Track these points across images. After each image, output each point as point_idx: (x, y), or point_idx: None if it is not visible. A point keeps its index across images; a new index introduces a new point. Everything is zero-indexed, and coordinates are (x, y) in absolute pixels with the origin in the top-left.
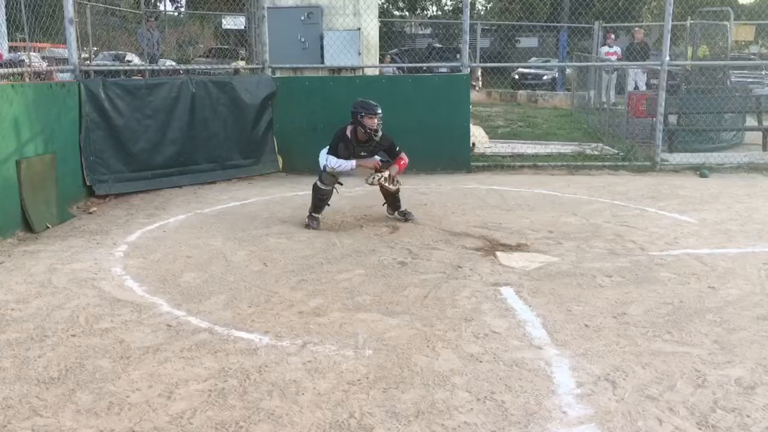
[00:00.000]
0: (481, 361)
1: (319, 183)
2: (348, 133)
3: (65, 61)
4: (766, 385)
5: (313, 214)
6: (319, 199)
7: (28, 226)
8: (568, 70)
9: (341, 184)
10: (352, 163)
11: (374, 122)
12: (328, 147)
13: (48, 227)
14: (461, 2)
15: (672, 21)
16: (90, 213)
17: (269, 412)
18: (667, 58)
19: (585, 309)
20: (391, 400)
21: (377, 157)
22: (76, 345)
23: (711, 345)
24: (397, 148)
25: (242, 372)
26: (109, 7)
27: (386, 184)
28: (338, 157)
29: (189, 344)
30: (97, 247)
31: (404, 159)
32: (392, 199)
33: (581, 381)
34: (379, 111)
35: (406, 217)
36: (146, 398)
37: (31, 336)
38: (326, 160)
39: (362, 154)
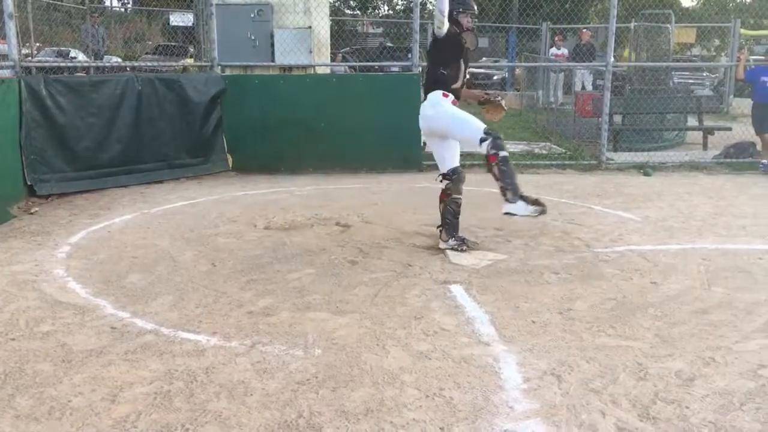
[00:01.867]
0: (430, 359)
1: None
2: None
3: (5, 57)
4: (705, 377)
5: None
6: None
7: None
8: (517, 71)
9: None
10: (443, 101)
11: (469, 21)
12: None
13: None
14: (412, 2)
15: (616, 23)
16: (31, 213)
17: (216, 413)
18: (612, 59)
19: (532, 305)
20: (341, 399)
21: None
22: (15, 349)
23: (652, 339)
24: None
25: (189, 374)
26: (52, 2)
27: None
28: (453, 49)
29: (134, 346)
30: (38, 248)
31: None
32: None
33: (528, 376)
34: (475, 8)
35: (465, 244)
36: (89, 402)
37: None
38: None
39: (471, 50)
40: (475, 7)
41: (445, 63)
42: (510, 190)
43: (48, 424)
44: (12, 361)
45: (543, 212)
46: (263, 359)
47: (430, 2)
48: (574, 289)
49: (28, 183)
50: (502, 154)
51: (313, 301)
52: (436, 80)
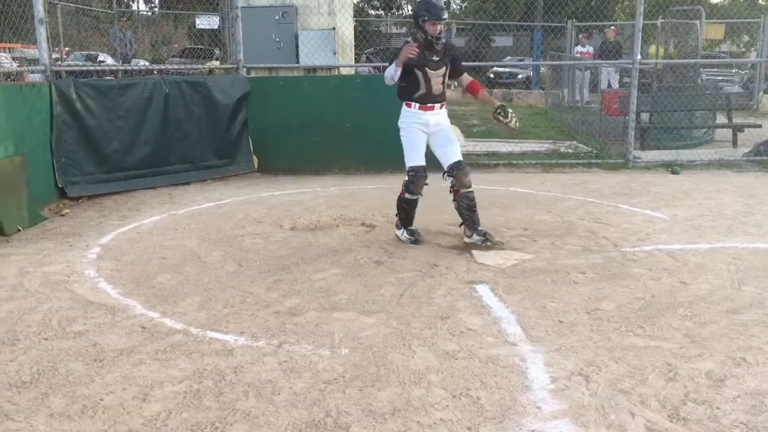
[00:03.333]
0: (456, 359)
1: (407, 195)
2: (410, 40)
3: (36, 61)
4: (736, 378)
5: (409, 228)
6: (410, 210)
7: None
8: (542, 69)
9: (427, 184)
10: (393, 65)
11: (437, 28)
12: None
13: (19, 230)
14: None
15: (643, 20)
16: (62, 215)
17: (245, 412)
18: (639, 56)
19: (559, 305)
20: (368, 398)
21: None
22: (48, 348)
23: (682, 339)
24: (462, 68)
25: (217, 373)
26: (81, 6)
27: (510, 122)
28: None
29: (163, 346)
30: (69, 250)
31: (473, 79)
32: (469, 213)
33: (555, 376)
34: (445, 15)
35: (487, 238)
36: (120, 401)
37: (2, 340)
38: (386, 71)
39: (435, 59)
40: (443, 15)
41: (402, 76)
42: (399, 221)
43: (81, 423)
44: (45, 360)
45: (419, 242)
46: (290, 359)
47: (454, 1)
48: (602, 288)
49: (59, 185)
50: (407, 195)
51: (339, 301)
52: (398, 92)
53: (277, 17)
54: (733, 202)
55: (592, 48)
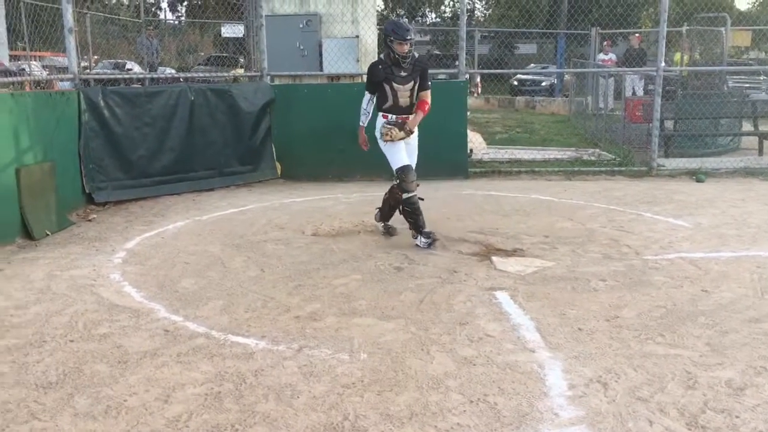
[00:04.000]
0: (474, 365)
1: (405, 195)
2: (383, 56)
3: (65, 69)
4: (756, 387)
5: (386, 223)
6: (417, 210)
7: (27, 234)
8: (566, 77)
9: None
10: (360, 122)
11: (404, 48)
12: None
13: (47, 234)
14: (459, 9)
15: (668, 27)
16: (89, 220)
17: (264, 415)
18: (663, 63)
19: (579, 313)
20: (385, 402)
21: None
22: (74, 350)
23: (703, 347)
24: (429, 83)
25: (238, 376)
26: (109, 15)
27: (390, 135)
28: (374, 78)
29: (186, 349)
30: (95, 254)
31: (428, 103)
32: (413, 219)
33: (573, 383)
34: (410, 36)
35: (431, 240)
36: (143, 402)
37: (29, 341)
38: (364, 100)
39: (402, 74)
40: (408, 36)
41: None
42: (379, 214)
43: (105, 423)
44: (71, 361)
45: (390, 235)
46: (310, 363)
47: (478, 9)
48: (622, 296)
49: (87, 191)
50: (404, 195)
51: (359, 306)
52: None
53: (301, 25)
54: (759, 210)
55: (614, 55)
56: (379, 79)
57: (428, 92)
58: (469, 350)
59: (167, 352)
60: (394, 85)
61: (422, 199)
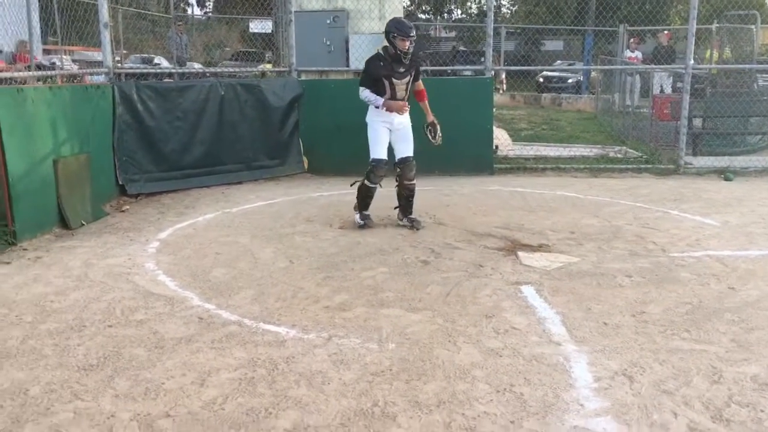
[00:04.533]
0: (501, 356)
1: (366, 182)
2: (381, 50)
3: (97, 64)
4: None
5: (363, 212)
6: (367, 197)
7: (64, 223)
8: (593, 74)
9: (381, 187)
10: (380, 101)
11: (406, 45)
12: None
13: (83, 224)
14: (486, 6)
15: (698, 24)
16: (122, 211)
17: (296, 400)
18: (692, 61)
19: (604, 308)
20: (414, 390)
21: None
22: (112, 335)
23: (728, 343)
24: (420, 77)
25: (270, 362)
26: (141, 11)
27: (435, 140)
28: (370, 77)
29: (219, 336)
30: (130, 244)
31: (423, 88)
32: (407, 202)
33: (599, 376)
34: (413, 33)
35: (414, 225)
36: (180, 385)
37: (70, 326)
38: (361, 91)
39: (401, 70)
40: (411, 33)
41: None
42: (357, 205)
43: (144, 404)
44: (110, 345)
45: (367, 226)
46: (339, 351)
47: (504, 5)
48: (648, 292)
49: (120, 182)
50: (367, 182)
51: (386, 298)
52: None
53: (328, 21)
54: None
55: (640, 53)
56: (379, 75)
57: (421, 82)
58: (495, 342)
59: (202, 339)
60: (393, 80)
61: (381, 187)
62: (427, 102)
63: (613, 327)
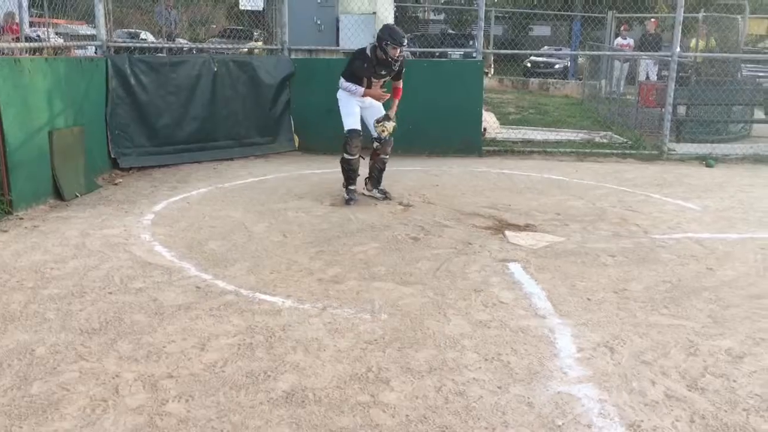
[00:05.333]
0: (489, 327)
1: (345, 155)
2: (368, 51)
3: (83, 38)
4: (754, 355)
5: (349, 187)
6: (350, 170)
7: (58, 194)
8: (580, 60)
9: (363, 158)
10: (361, 90)
11: (397, 53)
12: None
13: (77, 196)
14: None
15: (685, 13)
16: (115, 184)
17: (294, 364)
18: (678, 49)
19: (588, 284)
20: (406, 357)
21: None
22: (113, 301)
23: (705, 319)
24: (403, 70)
25: (267, 330)
26: None
27: (386, 129)
28: (353, 75)
29: (217, 304)
30: (125, 215)
31: (401, 88)
32: (379, 175)
33: (581, 347)
34: (405, 43)
35: (385, 195)
36: (181, 349)
37: (71, 292)
38: (341, 81)
39: (382, 72)
40: (404, 42)
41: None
42: (344, 181)
43: (147, 365)
44: (111, 311)
45: (353, 200)
46: (334, 320)
47: None
48: (630, 271)
49: (112, 156)
50: (345, 155)
51: (378, 272)
52: (343, 73)
53: (318, 1)
54: (766, 195)
55: (632, 41)
56: (362, 75)
57: (401, 81)
58: (483, 315)
59: (200, 306)
60: (373, 79)
61: (364, 158)
62: (398, 101)
63: (596, 302)
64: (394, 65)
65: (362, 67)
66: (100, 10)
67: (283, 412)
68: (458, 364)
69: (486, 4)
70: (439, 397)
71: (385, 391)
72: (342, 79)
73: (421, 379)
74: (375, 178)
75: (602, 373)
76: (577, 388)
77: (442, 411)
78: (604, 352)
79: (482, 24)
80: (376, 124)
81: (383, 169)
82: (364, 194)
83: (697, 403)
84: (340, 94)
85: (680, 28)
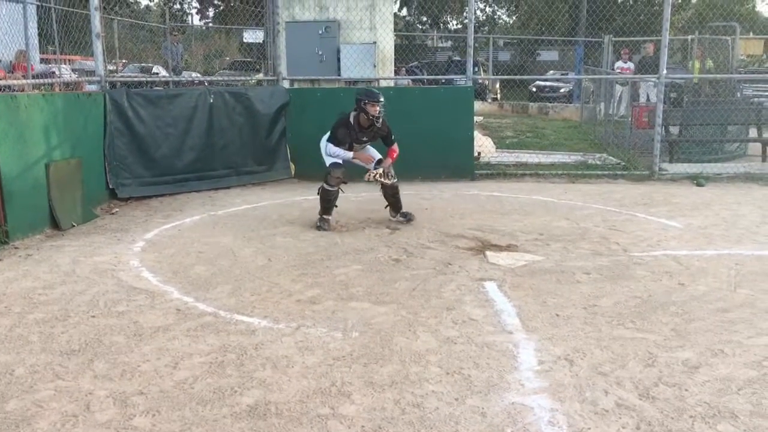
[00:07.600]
0: (455, 343)
1: (325, 185)
2: (351, 119)
3: (92, 73)
4: (710, 366)
5: (324, 216)
6: (327, 201)
7: (55, 224)
8: (584, 83)
9: (345, 183)
10: (349, 154)
11: (376, 109)
12: (328, 133)
13: (73, 225)
14: (467, 18)
15: (684, 35)
16: (112, 213)
17: (261, 380)
18: (665, 71)
19: (559, 301)
20: (370, 372)
21: (373, 150)
22: (95, 324)
23: (668, 332)
24: (393, 137)
25: (240, 348)
26: (134, 21)
27: (382, 179)
28: (338, 142)
29: (195, 325)
30: (117, 243)
31: (396, 150)
32: (393, 200)
33: (542, 360)
34: (382, 99)
35: (407, 218)
36: (155, 367)
37: (55, 316)
38: (326, 147)
39: (364, 139)
40: (381, 99)
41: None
42: (320, 210)
43: (120, 383)
44: (92, 333)
45: (323, 229)
46: (306, 339)
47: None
48: (603, 287)
49: (110, 186)
50: (326, 186)
51: (356, 292)
52: (329, 137)
53: (320, 32)
54: (751, 213)
55: (632, 64)
56: (345, 141)
57: (395, 145)
58: (452, 331)
59: (178, 328)
60: (354, 145)
61: (344, 192)
62: (390, 160)
63: (564, 318)
64: (376, 125)
65: (346, 134)
66: (98, 47)
67: (244, 425)
68: (420, 377)
69: (493, 31)
70: (396, 408)
71: (345, 404)
72: (329, 145)
73: (381, 392)
74: (392, 203)
75: (558, 384)
76: (532, 399)
77: (397, 422)
78: (564, 364)
79: (471, 51)
80: (371, 171)
81: (396, 194)
82: (390, 220)
83: (646, 411)
84: (329, 145)
85: (666, 50)
